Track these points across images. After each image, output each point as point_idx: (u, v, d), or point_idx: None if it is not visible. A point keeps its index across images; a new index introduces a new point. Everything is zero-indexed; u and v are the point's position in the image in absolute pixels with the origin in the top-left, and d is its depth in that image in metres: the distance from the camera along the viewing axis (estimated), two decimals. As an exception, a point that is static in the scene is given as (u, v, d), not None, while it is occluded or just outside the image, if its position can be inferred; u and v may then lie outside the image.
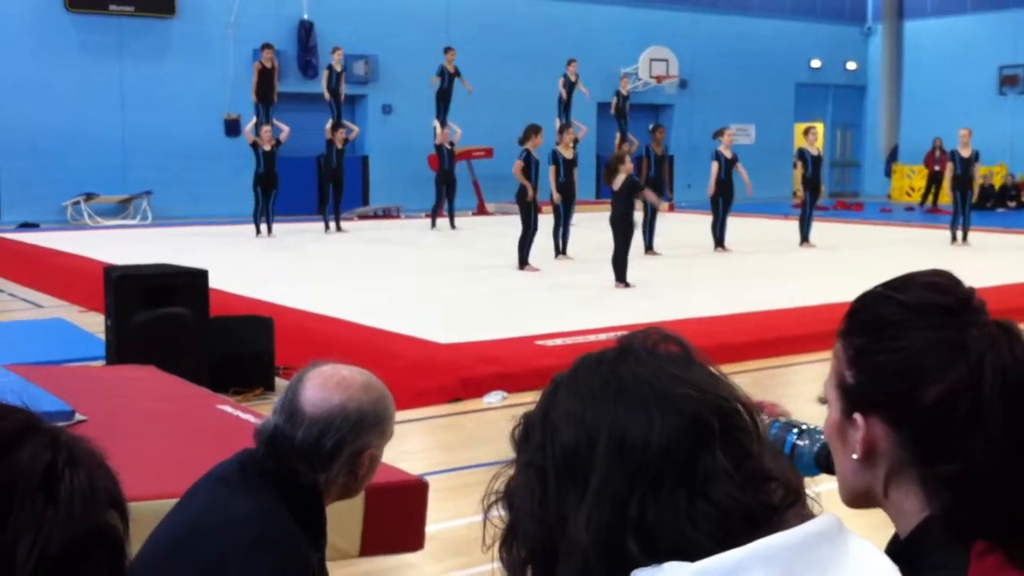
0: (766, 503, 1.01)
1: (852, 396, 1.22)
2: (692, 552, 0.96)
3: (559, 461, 1.02)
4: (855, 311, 1.25)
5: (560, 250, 14.54)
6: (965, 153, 16.71)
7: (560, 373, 1.08)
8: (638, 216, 13.24)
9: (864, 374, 1.21)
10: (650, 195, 12.85)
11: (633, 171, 12.49)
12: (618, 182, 11.90)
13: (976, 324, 1.18)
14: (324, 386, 2.15)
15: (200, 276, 7.48)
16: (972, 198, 17.15)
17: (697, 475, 0.99)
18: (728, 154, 15.65)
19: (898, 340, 1.19)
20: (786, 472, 1.04)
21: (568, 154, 14.21)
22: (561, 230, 14.55)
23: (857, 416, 1.21)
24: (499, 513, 1.05)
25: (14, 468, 0.86)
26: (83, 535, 0.87)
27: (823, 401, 1.27)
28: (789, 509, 1.02)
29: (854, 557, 1.00)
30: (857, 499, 1.26)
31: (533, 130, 13.83)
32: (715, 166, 15.56)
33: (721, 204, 15.65)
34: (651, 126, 16.61)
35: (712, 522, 0.97)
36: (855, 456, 1.22)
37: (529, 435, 1.06)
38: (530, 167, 13.64)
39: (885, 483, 1.21)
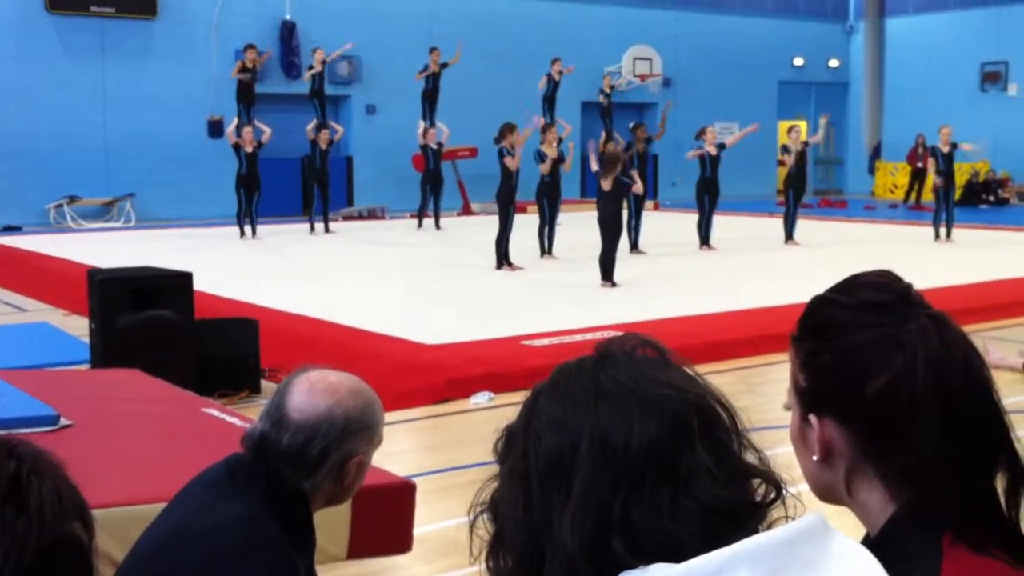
0: (748, 500, 1.03)
1: (806, 398, 1.26)
2: (677, 551, 0.97)
3: (542, 467, 1.03)
4: (803, 316, 1.29)
5: (546, 250, 14.55)
6: (946, 150, 16.79)
7: (541, 382, 1.10)
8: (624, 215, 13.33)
9: (814, 376, 1.25)
10: (637, 183, 12.97)
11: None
12: (608, 183, 11.95)
13: (912, 318, 1.21)
14: (311, 392, 2.14)
15: (185, 278, 7.45)
16: (955, 195, 17.26)
17: (679, 474, 1.00)
18: (713, 151, 15.70)
19: (841, 340, 1.23)
20: (767, 469, 1.06)
21: (552, 153, 14.24)
22: (547, 229, 14.55)
23: (812, 418, 1.24)
24: (485, 524, 1.06)
25: None
26: (53, 543, 0.88)
27: (787, 408, 1.29)
28: (771, 506, 1.03)
29: (839, 555, 1.01)
30: (827, 498, 1.29)
31: (508, 128, 13.90)
32: (696, 151, 15.79)
33: (707, 202, 15.71)
34: (632, 124, 16.63)
35: (696, 520, 0.99)
36: (815, 458, 1.25)
37: (511, 445, 1.08)
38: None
39: (847, 481, 1.24)
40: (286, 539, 2.05)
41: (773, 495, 1.04)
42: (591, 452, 1.01)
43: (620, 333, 1.14)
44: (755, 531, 1.00)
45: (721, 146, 15.83)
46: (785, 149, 16.81)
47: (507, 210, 13.39)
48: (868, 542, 1.24)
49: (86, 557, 0.92)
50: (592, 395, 1.04)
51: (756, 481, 1.04)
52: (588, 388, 1.05)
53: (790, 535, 0.99)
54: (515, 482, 1.05)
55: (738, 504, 1.01)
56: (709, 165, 15.72)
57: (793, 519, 1.03)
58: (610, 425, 1.02)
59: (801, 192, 16.65)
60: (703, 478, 1.00)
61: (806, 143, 16.95)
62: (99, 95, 20.97)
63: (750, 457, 1.06)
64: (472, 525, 1.07)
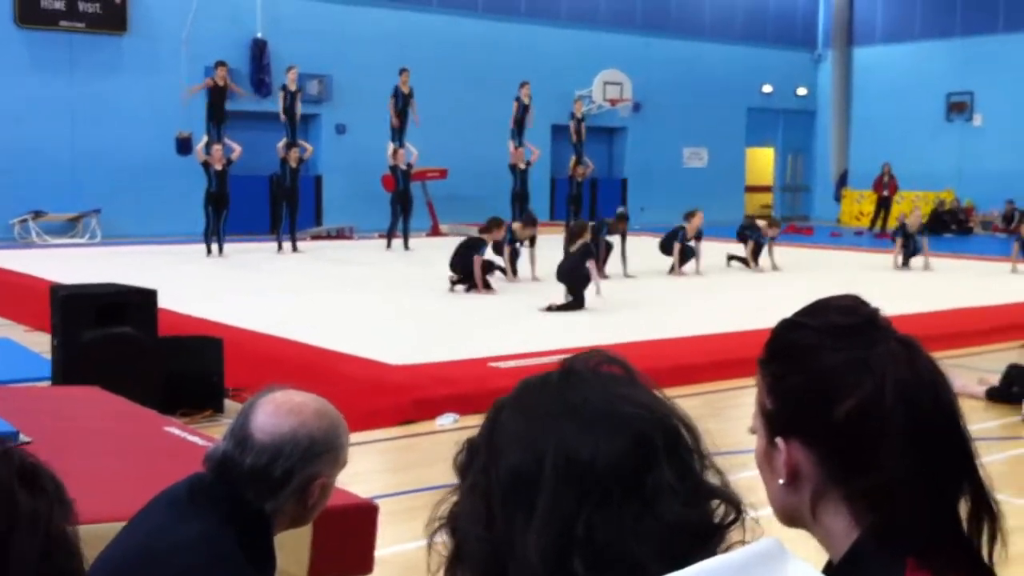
0: (708, 520, 1.02)
1: (773, 421, 1.26)
2: (637, 571, 0.97)
3: (505, 483, 1.02)
4: (771, 339, 1.29)
5: (514, 272, 14.57)
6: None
7: (503, 396, 1.09)
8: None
9: (781, 399, 1.25)
10: (594, 270, 12.50)
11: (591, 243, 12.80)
12: (576, 247, 12.35)
13: (880, 342, 1.21)
14: (275, 412, 2.12)
15: (149, 295, 7.39)
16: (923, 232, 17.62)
17: (643, 492, 1.00)
18: (691, 235, 15.78)
19: (808, 363, 1.23)
20: (728, 490, 1.06)
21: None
22: (515, 253, 14.59)
23: (779, 441, 1.24)
24: (443, 539, 1.05)
25: None
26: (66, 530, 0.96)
27: (753, 431, 1.29)
28: (731, 527, 1.03)
29: None
30: (791, 522, 1.28)
31: (496, 224, 13.90)
32: (677, 247, 15.68)
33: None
34: (618, 211, 16.48)
35: (658, 540, 0.99)
36: (781, 481, 1.25)
37: (473, 459, 1.07)
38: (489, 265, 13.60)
39: (812, 505, 1.24)
40: (246, 560, 2.02)
41: (733, 516, 1.04)
42: (556, 468, 1.00)
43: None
44: (714, 552, 1.00)
45: (699, 235, 15.89)
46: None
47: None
48: (831, 568, 1.24)
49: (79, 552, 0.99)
50: (557, 411, 1.04)
51: (716, 502, 1.04)
52: (553, 404, 1.04)
53: (747, 558, 0.99)
54: (477, 497, 1.04)
55: (699, 524, 1.02)
56: (680, 240, 15.79)
57: (750, 542, 1.03)
58: (575, 442, 1.01)
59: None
60: (667, 497, 1.00)
61: None
62: (67, 110, 20.82)
63: (711, 478, 1.06)
64: (430, 540, 1.06)
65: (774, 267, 16.73)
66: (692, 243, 15.86)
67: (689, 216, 15.91)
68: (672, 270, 15.67)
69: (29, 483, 0.92)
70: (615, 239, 15.22)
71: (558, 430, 1.02)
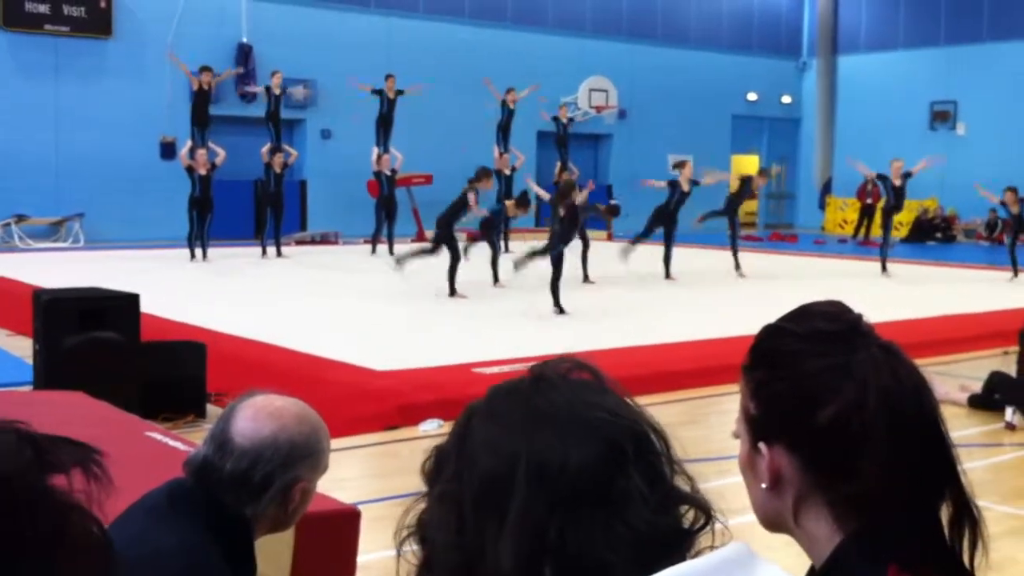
0: (678, 526, 1.03)
1: (756, 426, 1.26)
2: None
3: (477, 490, 1.02)
4: (754, 345, 1.29)
5: (497, 278, 14.55)
6: (898, 183, 17.06)
7: (473, 403, 1.08)
8: (577, 246, 13.58)
9: (764, 404, 1.25)
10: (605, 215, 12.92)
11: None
12: (563, 209, 12.24)
13: (862, 348, 1.22)
14: (256, 417, 2.11)
15: (132, 300, 7.36)
16: (893, 225, 17.64)
17: (614, 498, 1.00)
18: (686, 187, 15.81)
19: (791, 368, 1.23)
20: (698, 496, 1.06)
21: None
22: (499, 259, 14.59)
23: (762, 445, 1.24)
24: (412, 548, 1.05)
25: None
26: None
27: (736, 436, 1.29)
28: (701, 533, 1.04)
29: None
30: (774, 527, 1.29)
31: (485, 174, 14.02)
32: (663, 183, 15.75)
33: (663, 233, 15.87)
34: (611, 202, 16.55)
35: (628, 546, 0.99)
36: (764, 485, 1.25)
37: (442, 467, 1.06)
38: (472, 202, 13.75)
39: (795, 510, 1.24)
40: (226, 566, 2.01)
41: (703, 522, 1.05)
42: (527, 475, 1.00)
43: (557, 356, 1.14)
44: (684, 558, 1.00)
45: (695, 183, 15.90)
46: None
47: (453, 241, 13.41)
48: (814, 574, 1.24)
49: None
50: (528, 418, 1.04)
51: (686, 508, 1.05)
52: (524, 410, 1.05)
53: (715, 563, 0.99)
54: (447, 505, 1.03)
55: (669, 530, 1.02)
56: (676, 200, 15.80)
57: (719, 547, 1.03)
58: (547, 448, 1.01)
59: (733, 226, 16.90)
60: (637, 503, 1.01)
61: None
62: (51, 114, 20.75)
63: (682, 483, 1.06)
64: (399, 549, 1.06)
65: (736, 267, 16.56)
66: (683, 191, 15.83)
67: (679, 166, 16.01)
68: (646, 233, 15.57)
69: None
70: (599, 235, 15.22)
71: (529, 437, 1.02)
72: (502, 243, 14.82)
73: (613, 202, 16.34)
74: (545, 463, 1.00)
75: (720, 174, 17.50)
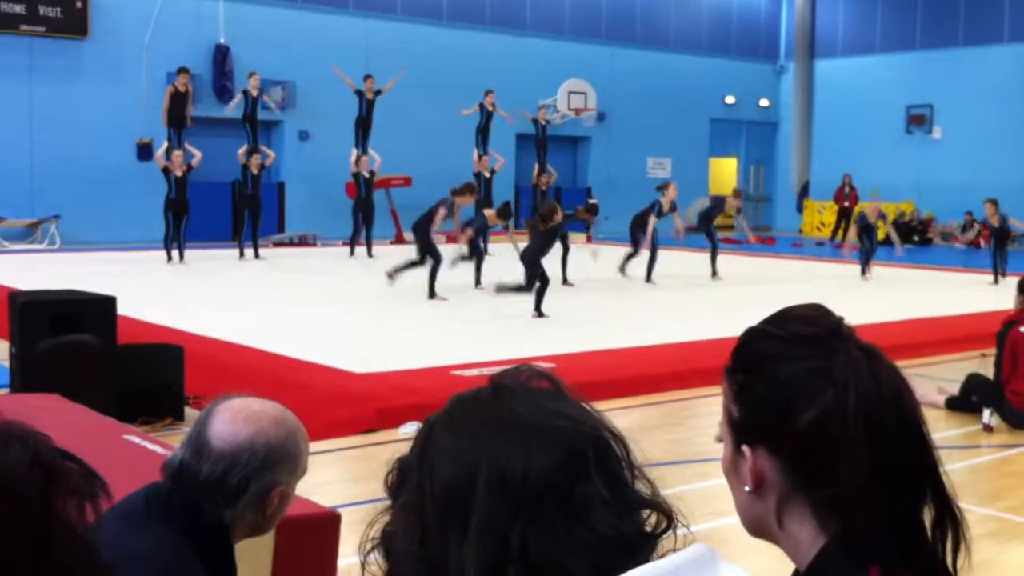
0: (640, 531, 1.04)
1: (739, 430, 1.26)
2: None
3: (439, 500, 1.03)
4: (736, 348, 1.29)
5: (478, 281, 14.55)
6: (872, 220, 17.33)
7: (434, 414, 1.09)
8: (558, 249, 13.68)
9: (746, 407, 1.25)
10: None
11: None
12: (546, 229, 12.40)
13: (843, 351, 1.22)
14: (233, 420, 2.09)
15: (108, 303, 7.31)
16: (878, 234, 17.75)
17: (575, 504, 1.01)
18: (666, 208, 15.84)
19: (772, 372, 1.23)
20: (659, 499, 1.07)
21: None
22: (479, 261, 14.59)
23: (745, 448, 1.24)
24: (378, 560, 1.06)
25: None
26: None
27: (719, 439, 1.29)
28: (663, 536, 1.05)
29: None
30: (757, 531, 1.28)
31: (469, 188, 13.99)
32: (652, 220, 15.72)
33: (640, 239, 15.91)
34: (589, 202, 16.52)
35: (590, 550, 1.00)
36: (747, 488, 1.25)
37: (404, 478, 1.07)
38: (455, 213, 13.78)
39: (777, 513, 1.24)
40: (203, 570, 1.99)
41: (664, 525, 1.05)
42: (489, 483, 1.01)
43: (516, 365, 1.15)
44: (646, 561, 1.01)
45: (673, 207, 15.96)
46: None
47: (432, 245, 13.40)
48: (797, 577, 1.24)
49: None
50: (489, 426, 1.05)
51: (648, 512, 1.06)
52: (485, 419, 1.06)
53: (678, 564, 1.00)
54: (410, 515, 1.04)
55: (631, 535, 1.03)
56: (657, 214, 15.85)
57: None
58: (508, 456, 1.02)
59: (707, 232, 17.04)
60: (598, 508, 1.02)
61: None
62: (25, 115, 20.61)
63: (642, 488, 1.07)
64: (364, 562, 1.06)
65: (713, 274, 16.64)
66: (669, 215, 15.92)
67: (663, 188, 16.02)
68: (635, 247, 15.63)
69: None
70: (578, 238, 15.22)
71: (490, 445, 1.03)
72: (484, 246, 14.82)
73: (592, 201, 16.31)
74: (506, 471, 1.01)
75: (697, 205, 17.50)
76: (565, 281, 15.00)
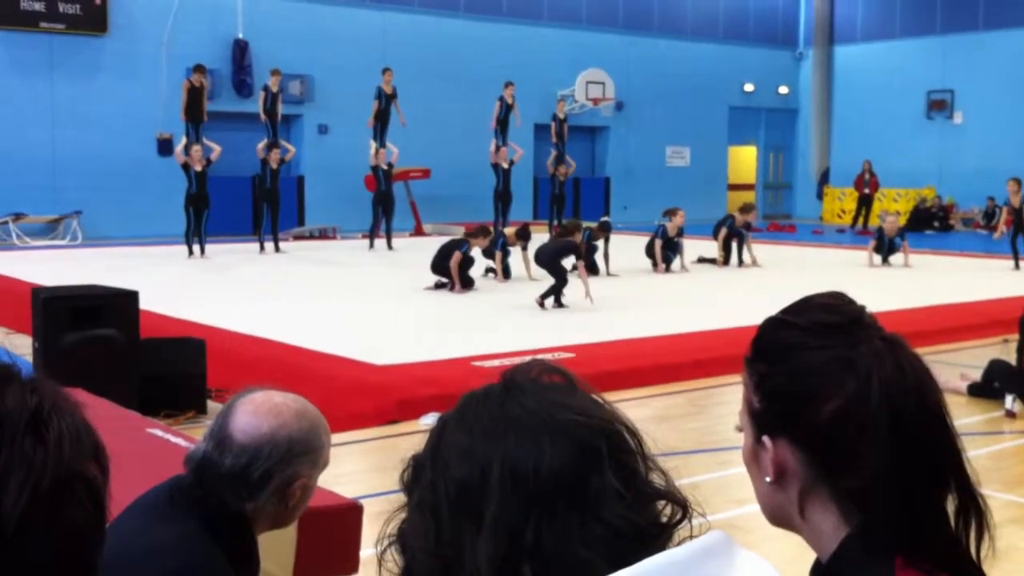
0: (655, 522, 1.04)
1: (760, 420, 1.25)
2: (585, 574, 0.98)
3: (452, 497, 1.04)
4: (756, 338, 1.28)
5: (506, 275, 14.56)
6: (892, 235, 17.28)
7: (447, 412, 1.10)
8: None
9: (767, 398, 1.24)
10: (583, 274, 12.59)
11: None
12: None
13: (865, 340, 1.21)
14: (255, 413, 2.10)
15: (130, 297, 7.36)
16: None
17: (589, 498, 1.02)
18: (672, 233, 15.79)
19: (794, 362, 1.22)
20: (673, 490, 1.07)
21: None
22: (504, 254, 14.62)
23: (766, 439, 1.24)
24: (394, 556, 1.06)
25: None
26: (68, 478, 0.92)
27: (739, 429, 1.29)
28: (678, 527, 1.05)
29: (741, 570, 1.02)
30: (778, 521, 1.28)
31: (483, 232, 13.91)
32: (659, 244, 15.71)
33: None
34: (601, 220, 16.45)
35: (605, 544, 1.00)
36: (768, 479, 1.24)
37: (419, 475, 1.08)
38: (467, 263, 13.57)
39: (800, 503, 1.23)
40: (227, 562, 2.01)
41: (679, 516, 1.05)
42: (501, 479, 1.02)
43: (529, 359, 1.15)
44: (661, 551, 1.01)
45: (680, 232, 15.92)
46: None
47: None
48: (819, 567, 1.24)
49: (99, 496, 0.96)
50: (500, 423, 1.05)
51: (662, 503, 1.06)
52: (496, 416, 1.06)
53: (694, 552, 1.00)
54: (424, 513, 1.05)
55: (646, 526, 1.03)
56: (662, 238, 15.81)
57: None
58: (520, 452, 1.03)
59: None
60: (612, 501, 1.02)
61: None
62: (47, 111, 20.72)
63: (656, 479, 1.07)
64: (380, 558, 1.07)
65: (753, 262, 16.73)
66: (676, 240, 15.91)
67: (670, 214, 15.94)
68: (655, 267, 15.70)
69: (34, 432, 0.90)
70: (598, 242, 15.22)
71: (502, 441, 1.04)
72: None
73: (604, 219, 16.29)
74: (519, 467, 1.02)
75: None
76: (608, 273, 15.10)
